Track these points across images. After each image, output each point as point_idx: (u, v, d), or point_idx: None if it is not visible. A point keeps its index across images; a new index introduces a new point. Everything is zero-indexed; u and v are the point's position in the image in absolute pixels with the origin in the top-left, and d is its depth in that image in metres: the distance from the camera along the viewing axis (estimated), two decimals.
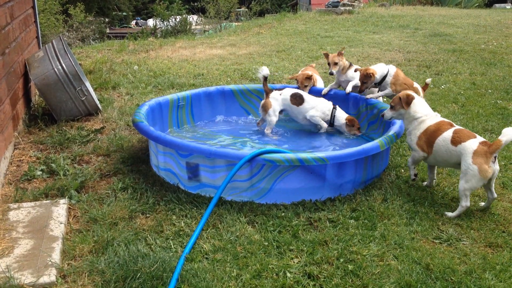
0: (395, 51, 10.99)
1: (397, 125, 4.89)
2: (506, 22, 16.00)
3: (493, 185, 4.19)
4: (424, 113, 4.53)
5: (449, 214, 4.15)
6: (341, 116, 5.65)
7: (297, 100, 5.65)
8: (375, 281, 3.30)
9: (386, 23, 15.42)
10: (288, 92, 5.71)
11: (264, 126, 5.73)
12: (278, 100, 5.67)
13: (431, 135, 4.43)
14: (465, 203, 4.10)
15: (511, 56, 10.63)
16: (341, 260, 3.50)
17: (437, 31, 13.72)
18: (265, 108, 5.65)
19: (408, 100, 4.56)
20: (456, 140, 4.22)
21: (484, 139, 4.17)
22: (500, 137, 3.99)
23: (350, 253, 3.57)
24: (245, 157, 4.07)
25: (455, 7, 22.28)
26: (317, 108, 5.61)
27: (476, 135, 4.24)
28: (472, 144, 4.11)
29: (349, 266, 3.43)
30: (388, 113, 4.71)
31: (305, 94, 5.74)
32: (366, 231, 3.85)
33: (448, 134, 4.30)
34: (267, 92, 5.71)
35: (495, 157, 4.07)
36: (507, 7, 24.91)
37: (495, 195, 4.24)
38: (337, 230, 3.88)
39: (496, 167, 4.11)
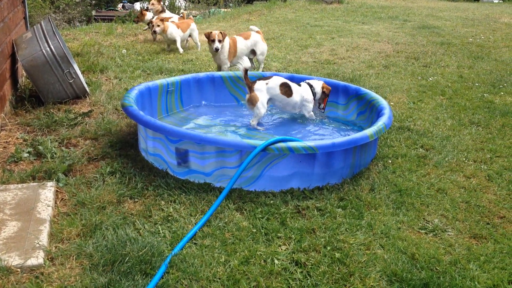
0: (384, 42, 11.02)
1: (385, 116, 4.93)
2: (494, 16, 16.13)
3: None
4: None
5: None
6: (318, 85, 5.76)
7: (286, 91, 5.50)
8: (361, 269, 3.34)
9: (375, 13, 15.45)
10: (276, 81, 5.50)
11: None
12: (263, 91, 5.44)
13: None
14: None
15: (498, 50, 10.74)
16: (328, 248, 3.53)
17: (426, 23, 13.78)
18: (253, 102, 5.40)
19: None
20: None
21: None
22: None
23: (337, 241, 3.61)
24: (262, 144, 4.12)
25: (443, 0, 22.38)
26: (306, 98, 5.58)
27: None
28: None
29: (336, 254, 3.46)
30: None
31: (291, 83, 5.57)
32: (353, 220, 3.89)
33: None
34: (249, 85, 5.43)
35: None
36: (494, 1, 25.05)
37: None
38: (324, 218, 3.91)
39: None
